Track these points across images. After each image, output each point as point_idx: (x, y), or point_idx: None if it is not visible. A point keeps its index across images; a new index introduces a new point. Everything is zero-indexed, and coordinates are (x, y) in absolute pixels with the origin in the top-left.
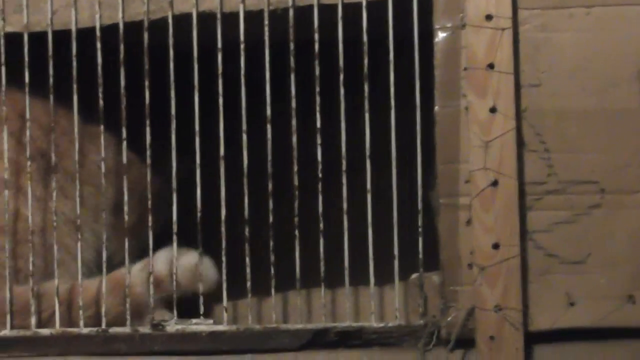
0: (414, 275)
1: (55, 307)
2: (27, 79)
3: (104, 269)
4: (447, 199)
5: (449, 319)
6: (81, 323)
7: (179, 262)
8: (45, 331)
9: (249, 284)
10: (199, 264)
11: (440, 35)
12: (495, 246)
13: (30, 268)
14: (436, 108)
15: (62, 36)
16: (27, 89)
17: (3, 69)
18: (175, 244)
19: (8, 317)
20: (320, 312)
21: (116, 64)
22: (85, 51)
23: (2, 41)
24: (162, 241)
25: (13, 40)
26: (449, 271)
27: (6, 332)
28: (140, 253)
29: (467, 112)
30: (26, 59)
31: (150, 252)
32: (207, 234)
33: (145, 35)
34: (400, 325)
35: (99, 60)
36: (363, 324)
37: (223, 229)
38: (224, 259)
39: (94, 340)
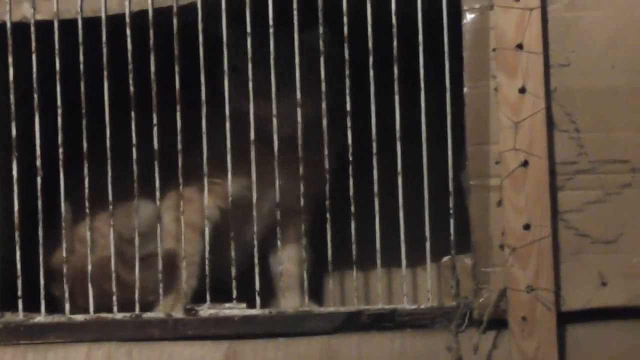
0: (446, 258)
1: None
2: (57, 67)
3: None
4: (477, 180)
5: (481, 300)
6: (115, 308)
7: None
8: (79, 317)
9: (281, 267)
10: None
11: (469, 16)
12: (527, 227)
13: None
14: (465, 89)
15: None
16: (57, 77)
17: (34, 57)
18: None
19: (42, 303)
20: (353, 294)
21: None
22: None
23: (33, 29)
24: None
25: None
26: (481, 252)
27: (40, 318)
28: None
29: (497, 93)
30: (57, 46)
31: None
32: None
33: (175, 21)
34: (432, 307)
35: (129, 47)
36: (396, 307)
37: (255, 213)
38: (255, 242)
39: (127, 326)
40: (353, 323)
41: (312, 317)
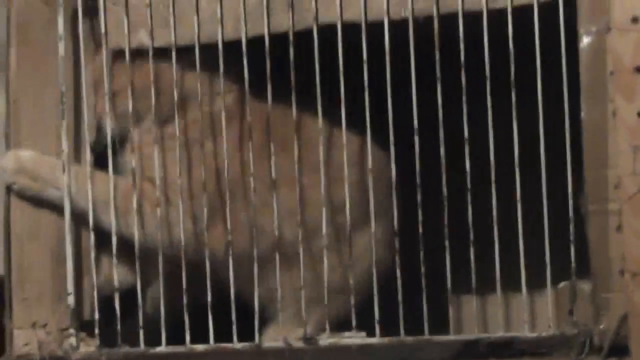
0: (563, 284)
1: None
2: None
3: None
4: (596, 205)
5: (601, 326)
6: (234, 338)
7: None
8: (199, 347)
9: (400, 296)
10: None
11: (585, 40)
12: None
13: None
14: (583, 113)
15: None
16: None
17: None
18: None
19: (163, 333)
20: (471, 321)
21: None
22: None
23: (151, 53)
24: None
25: None
26: (600, 278)
27: (162, 348)
28: None
29: (615, 117)
30: (174, 72)
31: None
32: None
33: (291, 49)
34: (553, 335)
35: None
36: (516, 335)
37: (373, 242)
38: (374, 270)
39: (246, 355)
40: (471, 351)
41: (430, 346)
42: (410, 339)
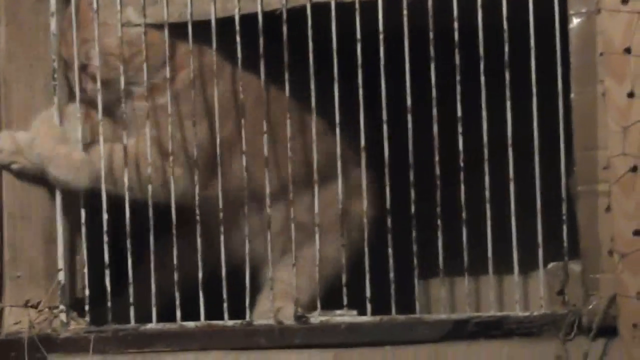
0: (552, 264)
1: None
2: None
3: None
4: (585, 186)
5: (590, 307)
6: (225, 316)
7: None
8: (189, 324)
9: (392, 274)
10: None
11: (575, 21)
12: (637, 232)
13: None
14: (572, 94)
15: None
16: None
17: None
18: None
19: (154, 311)
20: (463, 301)
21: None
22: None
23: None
24: None
25: None
26: (589, 259)
27: (151, 325)
28: None
29: (605, 98)
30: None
31: None
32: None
33: (284, 28)
34: (543, 315)
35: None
36: (506, 314)
37: (365, 220)
38: (366, 249)
39: (236, 334)
40: (461, 331)
41: (419, 325)
42: (401, 317)
